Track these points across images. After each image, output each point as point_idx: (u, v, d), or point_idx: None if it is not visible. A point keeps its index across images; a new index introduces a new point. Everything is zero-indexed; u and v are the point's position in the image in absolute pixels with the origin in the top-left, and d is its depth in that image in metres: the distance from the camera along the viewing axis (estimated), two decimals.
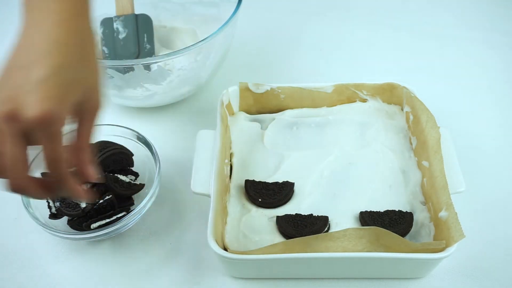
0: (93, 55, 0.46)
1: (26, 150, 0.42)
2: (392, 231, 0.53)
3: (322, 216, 0.60)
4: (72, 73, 0.43)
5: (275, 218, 0.61)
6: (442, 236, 0.56)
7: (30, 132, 0.41)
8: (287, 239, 0.58)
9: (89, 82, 0.45)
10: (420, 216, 0.61)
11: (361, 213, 0.61)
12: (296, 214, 0.60)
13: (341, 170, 0.66)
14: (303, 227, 0.59)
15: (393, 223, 0.59)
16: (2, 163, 0.42)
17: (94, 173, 0.48)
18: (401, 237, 0.53)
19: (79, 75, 0.44)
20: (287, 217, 0.60)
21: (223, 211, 0.60)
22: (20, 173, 0.43)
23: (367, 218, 0.60)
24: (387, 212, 0.60)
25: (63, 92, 0.42)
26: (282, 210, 0.62)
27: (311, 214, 0.60)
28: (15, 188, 0.44)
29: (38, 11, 0.43)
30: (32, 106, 0.40)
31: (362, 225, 0.60)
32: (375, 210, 0.61)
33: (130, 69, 0.68)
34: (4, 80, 0.42)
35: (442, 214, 0.57)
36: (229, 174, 0.65)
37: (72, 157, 0.46)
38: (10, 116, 0.40)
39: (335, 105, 0.73)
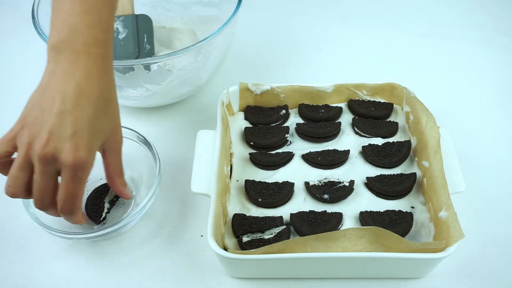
0: (115, 102, 0.53)
1: (55, 181, 0.51)
2: (392, 231, 0.53)
3: (336, 213, 0.60)
4: (99, 123, 0.50)
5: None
6: (442, 236, 0.56)
7: (57, 170, 0.49)
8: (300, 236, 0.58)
9: (112, 126, 0.53)
10: (420, 216, 0.61)
11: (361, 213, 0.61)
12: (310, 211, 0.60)
13: (341, 170, 0.66)
14: (317, 225, 0.59)
15: (393, 223, 0.59)
16: (34, 189, 0.51)
17: (129, 193, 0.60)
18: (401, 237, 0.53)
19: (104, 123, 0.51)
20: (301, 214, 0.60)
21: (223, 211, 0.60)
22: (46, 199, 0.52)
23: (367, 218, 0.60)
24: (387, 212, 0.60)
25: (93, 140, 0.50)
26: (282, 210, 0.62)
27: (325, 211, 0.60)
28: (39, 207, 0.53)
29: (69, 63, 0.49)
30: (68, 154, 0.48)
31: (362, 225, 0.60)
32: (375, 210, 0.61)
33: (130, 69, 0.68)
34: (33, 119, 0.49)
35: (442, 214, 0.57)
36: (229, 174, 0.65)
37: (109, 184, 0.57)
38: (49, 158, 0.48)
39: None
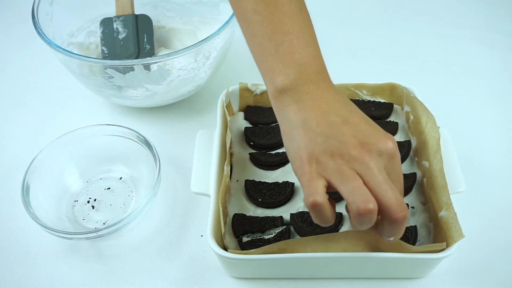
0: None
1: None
2: None
3: (335, 213, 0.60)
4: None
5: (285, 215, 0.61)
6: (442, 236, 0.56)
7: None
8: (301, 236, 0.58)
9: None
10: (420, 216, 0.61)
11: None
12: None
13: None
14: (317, 225, 0.58)
15: None
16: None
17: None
18: (401, 241, 0.53)
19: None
20: (301, 214, 0.60)
21: (223, 211, 0.60)
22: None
23: None
24: None
25: None
26: (282, 210, 0.62)
27: None
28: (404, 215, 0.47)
29: (313, 91, 0.49)
30: (384, 143, 0.47)
31: None
32: None
33: (130, 69, 0.68)
34: (320, 146, 0.47)
35: (442, 214, 0.57)
36: (229, 174, 0.65)
37: None
38: (376, 152, 0.47)
39: None
